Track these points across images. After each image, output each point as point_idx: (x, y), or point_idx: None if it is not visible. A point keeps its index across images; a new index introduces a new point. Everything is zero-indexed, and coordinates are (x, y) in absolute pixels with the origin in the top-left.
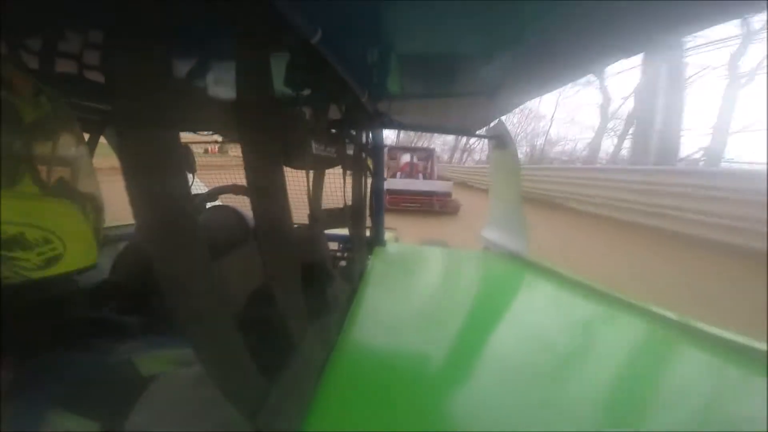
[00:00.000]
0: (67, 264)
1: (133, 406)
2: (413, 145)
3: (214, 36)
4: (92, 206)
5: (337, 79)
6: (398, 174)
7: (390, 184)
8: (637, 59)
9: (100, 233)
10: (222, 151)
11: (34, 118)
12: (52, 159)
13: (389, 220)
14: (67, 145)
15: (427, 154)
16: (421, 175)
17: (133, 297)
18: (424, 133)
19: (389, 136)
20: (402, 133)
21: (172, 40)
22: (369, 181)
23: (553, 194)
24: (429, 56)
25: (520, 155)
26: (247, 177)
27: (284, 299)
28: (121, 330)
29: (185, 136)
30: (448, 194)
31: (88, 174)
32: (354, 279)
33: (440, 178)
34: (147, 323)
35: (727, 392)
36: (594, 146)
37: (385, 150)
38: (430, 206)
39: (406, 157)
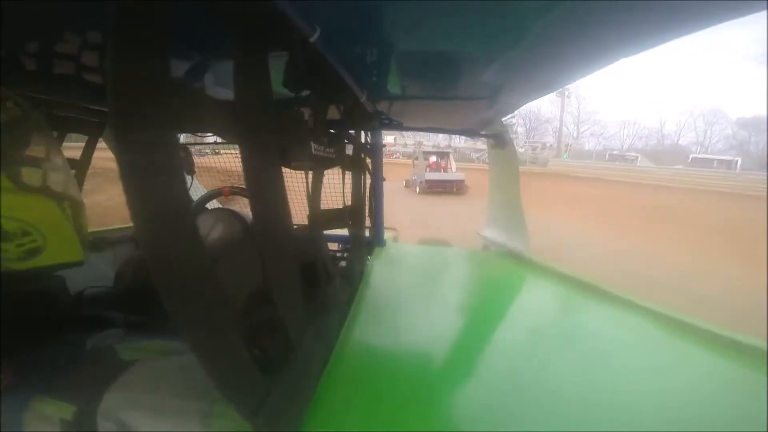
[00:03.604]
0: (50, 257)
1: (109, 388)
2: (436, 149)
3: (212, 36)
4: (70, 204)
5: (335, 80)
6: (427, 169)
7: (428, 176)
8: None
9: (83, 231)
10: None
11: (2, 121)
12: (25, 158)
13: (427, 200)
14: (39, 148)
15: (446, 155)
16: (443, 170)
17: (133, 297)
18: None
19: (423, 141)
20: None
21: (169, 40)
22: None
23: None
24: (428, 57)
25: None
26: (246, 178)
27: (283, 300)
28: (105, 327)
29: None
30: (462, 181)
31: (64, 175)
32: (354, 279)
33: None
34: (135, 323)
35: (727, 392)
36: None
37: (421, 153)
38: (451, 189)
39: (433, 158)
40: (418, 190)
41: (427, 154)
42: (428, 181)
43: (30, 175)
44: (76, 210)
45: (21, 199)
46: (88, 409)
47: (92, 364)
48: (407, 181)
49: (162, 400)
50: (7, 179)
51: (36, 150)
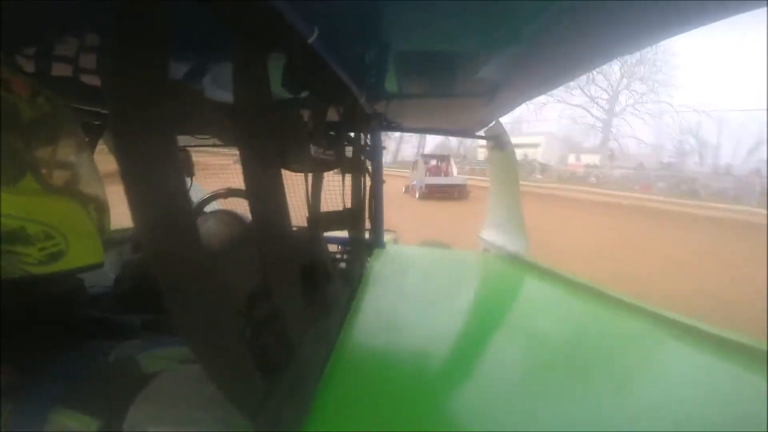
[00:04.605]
0: (71, 261)
1: (133, 402)
2: (435, 152)
3: (210, 37)
4: (95, 206)
5: (334, 81)
6: (427, 173)
7: (427, 180)
8: None
9: (105, 233)
10: None
11: (33, 118)
12: (53, 158)
13: (428, 206)
14: (68, 146)
15: (446, 158)
16: (443, 174)
17: (138, 297)
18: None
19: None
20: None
21: (168, 41)
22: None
23: None
24: (427, 56)
25: None
26: (245, 180)
27: (283, 301)
28: (123, 330)
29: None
30: (464, 185)
31: (91, 175)
32: (353, 281)
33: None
34: (150, 323)
35: (727, 392)
36: None
37: (420, 156)
38: (452, 194)
39: (432, 162)
40: (417, 195)
41: (426, 158)
42: (428, 186)
43: (58, 176)
44: (100, 210)
45: (47, 201)
46: (113, 423)
47: (114, 376)
48: (407, 187)
49: (187, 411)
50: (33, 180)
51: (65, 149)
